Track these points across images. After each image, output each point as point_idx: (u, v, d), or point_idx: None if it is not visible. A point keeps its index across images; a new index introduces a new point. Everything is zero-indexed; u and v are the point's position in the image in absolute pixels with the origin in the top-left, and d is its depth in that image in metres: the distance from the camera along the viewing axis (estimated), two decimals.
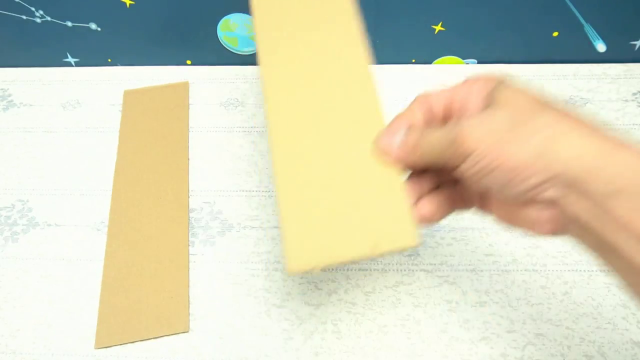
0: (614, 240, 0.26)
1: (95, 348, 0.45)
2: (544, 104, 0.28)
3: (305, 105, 0.38)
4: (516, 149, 0.27)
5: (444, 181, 0.33)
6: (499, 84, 0.31)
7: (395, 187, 0.33)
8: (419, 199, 0.33)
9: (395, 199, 0.32)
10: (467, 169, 0.29)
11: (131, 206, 0.54)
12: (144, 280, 0.48)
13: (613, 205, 0.25)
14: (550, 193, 0.27)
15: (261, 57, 0.41)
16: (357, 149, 0.34)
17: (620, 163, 0.25)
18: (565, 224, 0.28)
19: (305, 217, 0.32)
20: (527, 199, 0.28)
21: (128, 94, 0.65)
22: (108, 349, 0.45)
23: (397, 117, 0.34)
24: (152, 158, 0.58)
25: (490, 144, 0.28)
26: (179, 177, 0.56)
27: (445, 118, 0.33)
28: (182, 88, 0.65)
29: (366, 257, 0.32)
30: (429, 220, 0.33)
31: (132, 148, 0.59)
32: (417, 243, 0.31)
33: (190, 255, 0.50)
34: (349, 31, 0.45)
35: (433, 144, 0.31)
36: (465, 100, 0.32)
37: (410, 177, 0.34)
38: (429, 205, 0.33)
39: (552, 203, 0.28)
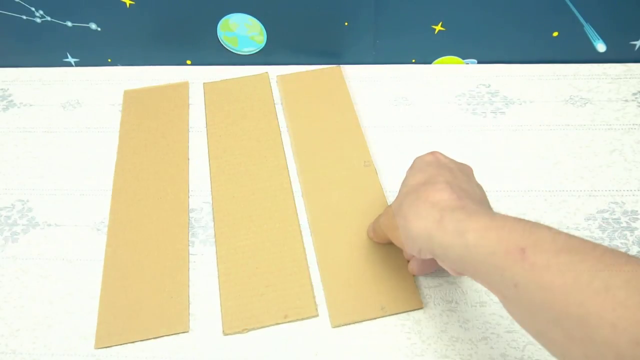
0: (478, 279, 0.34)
1: (95, 348, 0.45)
2: (409, 190, 0.39)
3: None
4: (398, 233, 0.39)
5: None
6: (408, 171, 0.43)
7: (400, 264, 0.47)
8: (409, 260, 0.47)
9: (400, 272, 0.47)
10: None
11: (131, 206, 0.54)
12: (144, 280, 0.48)
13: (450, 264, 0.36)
14: (428, 255, 0.37)
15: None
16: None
17: (443, 232, 0.34)
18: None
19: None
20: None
21: (128, 94, 0.65)
22: (108, 349, 0.45)
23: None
24: (152, 158, 0.58)
25: (389, 231, 0.43)
26: (179, 177, 0.56)
27: None
28: (182, 88, 0.65)
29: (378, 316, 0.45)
30: (416, 273, 0.47)
31: (132, 148, 0.59)
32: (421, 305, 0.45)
33: (190, 255, 0.50)
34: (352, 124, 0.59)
35: (376, 229, 0.47)
36: None
37: None
38: (412, 264, 0.46)
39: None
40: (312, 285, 0.47)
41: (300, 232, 0.51)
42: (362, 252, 0.49)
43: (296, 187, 0.54)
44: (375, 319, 0.45)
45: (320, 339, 0.45)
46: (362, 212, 0.51)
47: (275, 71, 0.66)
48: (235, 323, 0.45)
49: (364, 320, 0.45)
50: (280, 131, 0.59)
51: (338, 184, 0.54)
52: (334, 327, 0.45)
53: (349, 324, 0.45)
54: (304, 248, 0.49)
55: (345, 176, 0.54)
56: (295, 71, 0.65)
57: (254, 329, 0.45)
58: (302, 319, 0.45)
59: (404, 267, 0.47)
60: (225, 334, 0.45)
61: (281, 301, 0.46)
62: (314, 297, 0.46)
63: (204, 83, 0.65)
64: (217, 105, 0.62)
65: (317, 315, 0.46)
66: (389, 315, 0.45)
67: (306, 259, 0.49)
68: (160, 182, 0.55)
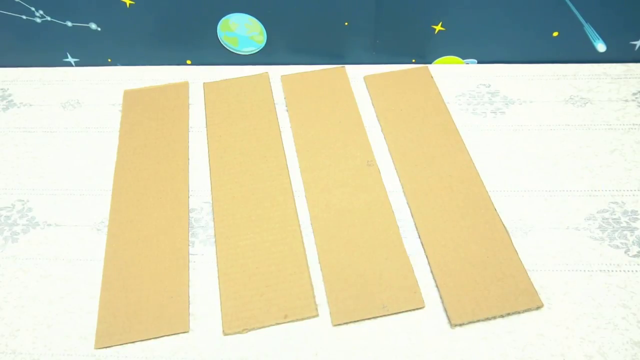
0: None
1: (95, 348, 0.45)
2: None
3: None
4: None
5: None
6: None
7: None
8: None
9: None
10: None
11: (131, 206, 0.54)
12: (144, 280, 0.48)
13: None
14: None
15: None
16: None
17: None
18: None
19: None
20: None
21: (128, 94, 0.65)
22: (108, 349, 0.45)
23: None
24: (152, 158, 0.58)
25: None
26: (179, 177, 0.56)
27: None
28: (182, 88, 0.65)
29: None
30: None
31: (132, 148, 0.59)
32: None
33: (190, 255, 0.50)
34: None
35: None
36: None
37: None
38: None
39: None
40: (312, 285, 0.47)
41: (301, 232, 0.51)
42: (364, 251, 0.48)
43: (296, 186, 0.54)
44: (376, 317, 0.45)
45: (320, 338, 0.45)
46: (365, 210, 0.51)
47: (276, 71, 0.66)
48: (235, 323, 0.45)
49: (365, 319, 0.45)
50: (280, 131, 0.59)
51: (341, 182, 0.54)
52: (335, 326, 0.45)
53: (350, 322, 0.45)
54: (304, 248, 0.49)
55: (348, 175, 0.54)
56: (296, 71, 0.65)
57: (254, 329, 0.45)
58: (302, 319, 0.45)
59: (406, 267, 0.47)
60: (225, 334, 0.45)
61: (281, 301, 0.46)
62: (314, 297, 0.46)
63: (204, 83, 0.65)
64: (217, 105, 0.62)
65: (317, 315, 0.46)
66: (391, 314, 0.45)
67: (306, 258, 0.49)
68: (160, 182, 0.55)
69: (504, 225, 0.49)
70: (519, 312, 0.44)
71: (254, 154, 0.57)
